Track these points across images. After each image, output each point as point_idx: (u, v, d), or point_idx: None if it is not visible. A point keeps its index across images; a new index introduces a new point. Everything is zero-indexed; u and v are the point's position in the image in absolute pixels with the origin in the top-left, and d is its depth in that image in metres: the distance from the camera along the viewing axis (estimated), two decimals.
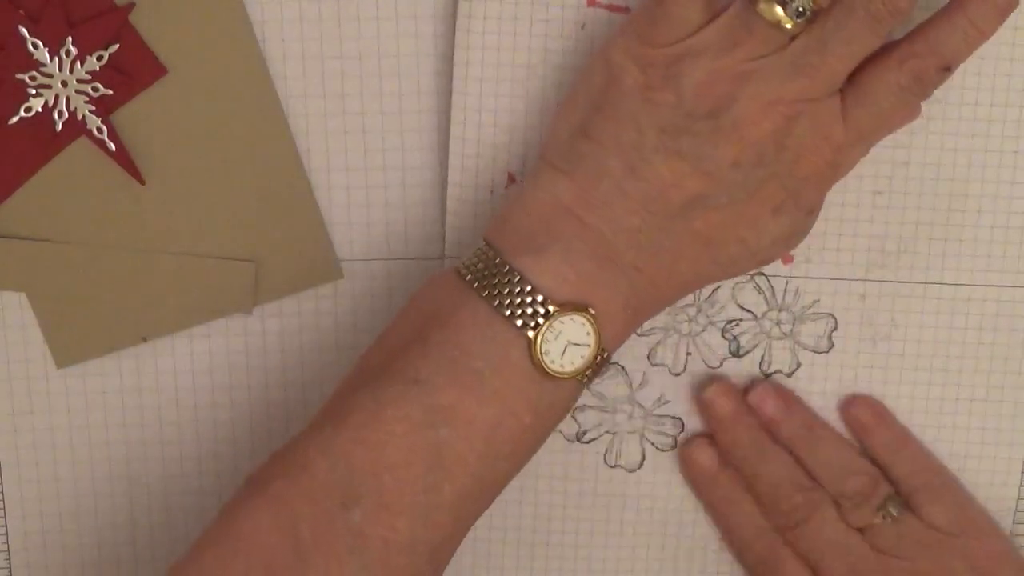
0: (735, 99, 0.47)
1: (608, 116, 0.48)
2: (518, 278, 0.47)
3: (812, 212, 0.50)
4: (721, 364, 0.56)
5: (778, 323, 0.56)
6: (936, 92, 0.53)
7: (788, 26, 0.47)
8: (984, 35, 0.48)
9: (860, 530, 0.55)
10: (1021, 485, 0.57)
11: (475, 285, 0.48)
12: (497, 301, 0.47)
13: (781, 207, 0.49)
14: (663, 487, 0.57)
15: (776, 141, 0.47)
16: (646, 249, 0.48)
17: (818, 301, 0.55)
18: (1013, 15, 0.52)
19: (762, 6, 0.47)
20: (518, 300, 0.47)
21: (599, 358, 0.48)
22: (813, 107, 0.47)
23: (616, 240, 0.48)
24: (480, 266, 0.48)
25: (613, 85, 0.48)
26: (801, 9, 0.47)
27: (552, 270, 0.47)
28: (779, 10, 0.47)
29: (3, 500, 0.58)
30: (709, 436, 0.56)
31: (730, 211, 0.48)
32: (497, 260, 0.48)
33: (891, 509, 0.54)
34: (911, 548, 0.54)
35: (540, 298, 0.47)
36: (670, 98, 0.47)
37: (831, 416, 0.56)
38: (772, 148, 0.47)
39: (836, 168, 0.49)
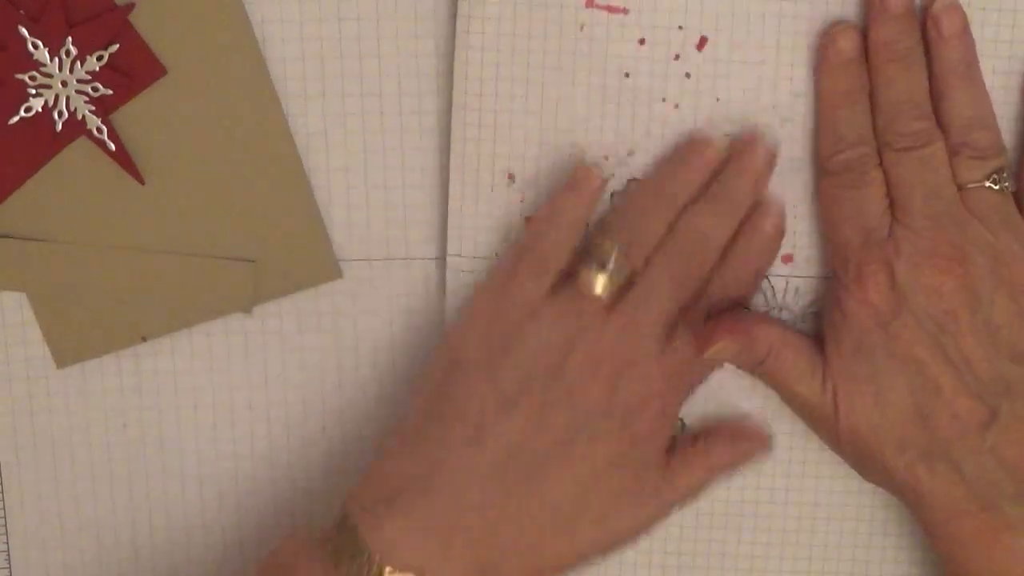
0: (565, 366, 0.51)
1: (451, 393, 0.51)
2: (361, 541, 0.49)
3: (665, 493, 0.53)
4: (722, 364, 0.56)
5: None
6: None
7: (605, 295, 0.51)
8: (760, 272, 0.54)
9: (960, 187, 0.51)
10: None
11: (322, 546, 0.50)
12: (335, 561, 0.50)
13: (635, 486, 0.51)
14: None
15: (605, 403, 0.51)
16: (493, 523, 0.50)
17: (818, 300, 0.55)
18: (1012, 14, 0.53)
19: (582, 277, 0.51)
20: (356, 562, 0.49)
21: None
22: (635, 368, 0.51)
23: (461, 512, 0.50)
24: (331, 529, 0.51)
25: (455, 366, 0.52)
26: (616, 277, 0.51)
27: (393, 535, 0.49)
28: (597, 280, 0.51)
29: (3, 500, 0.58)
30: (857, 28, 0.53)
31: (580, 481, 0.51)
32: (348, 521, 0.50)
33: (1004, 179, 0.51)
34: (1002, 223, 0.51)
35: (376, 560, 0.49)
36: (509, 365, 0.51)
37: None
38: (600, 412, 0.51)
39: (667, 418, 0.52)
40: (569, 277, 0.52)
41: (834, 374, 0.52)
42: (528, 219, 0.54)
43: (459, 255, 0.55)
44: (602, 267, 0.51)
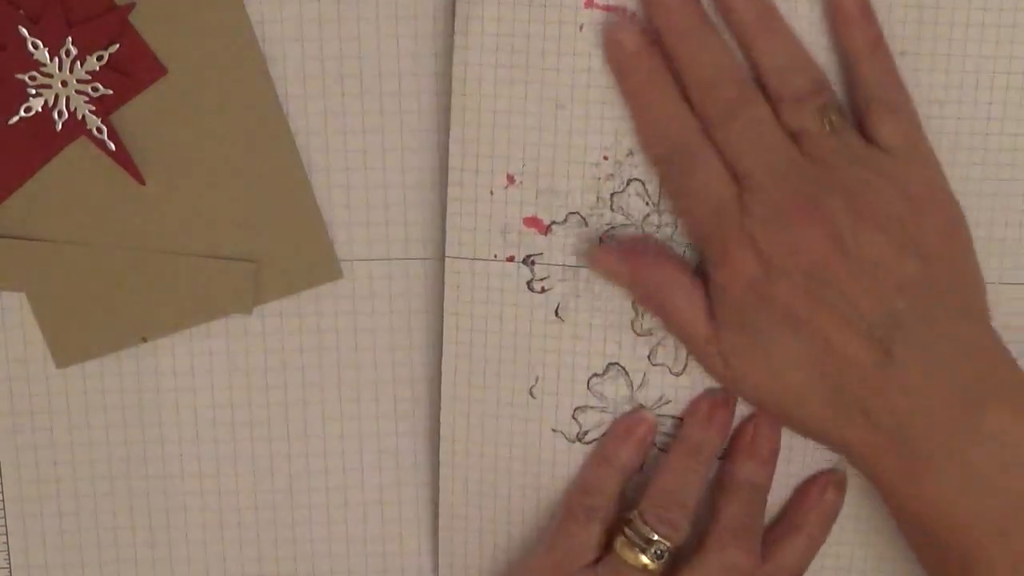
0: None
1: None
2: None
3: None
4: None
5: None
6: (936, 92, 0.53)
7: (652, 566, 0.53)
8: (820, 543, 0.56)
9: (794, 136, 0.51)
10: None
11: None
12: None
13: None
14: None
15: None
16: None
17: None
18: (1012, 13, 0.53)
19: (627, 554, 0.53)
20: None
21: None
22: None
23: None
24: None
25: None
26: (659, 552, 0.53)
27: None
28: (642, 556, 0.53)
29: (3, 500, 0.58)
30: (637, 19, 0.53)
31: None
32: None
33: (832, 116, 0.50)
34: (844, 160, 0.50)
35: None
36: None
37: None
38: None
39: None
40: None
41: (723, 343, 0.51)
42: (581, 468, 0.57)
43: (459, 255, 0.55)
44: (644, 548, 0.53)
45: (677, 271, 0.53)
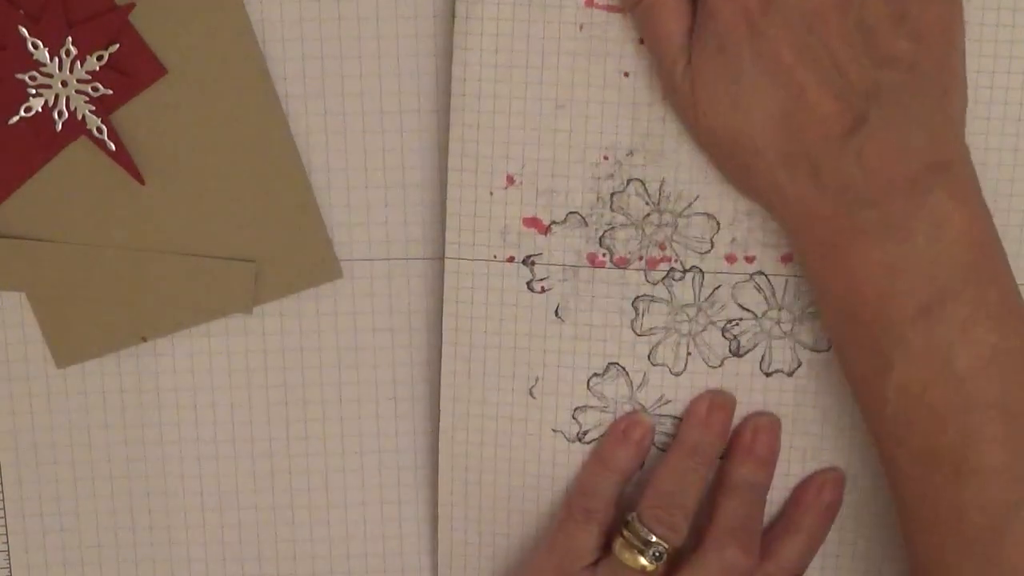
0: None
1: None
2: None
3: None
4: (722, 363, 0.56)
5: (778, 322, 0.55)
6: None
7: (650, 568, 0.53)
8: (820, 542, 0.56)
9: None
10: None
11: None
12: None
13: None
14: None
15: None
16: None
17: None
18: (1011, 13, 0.53)
19: (625, 555, 0.53)
20: None
21: None
22: None
23: None
24: None
25: None
26: (657, 553, 0.53)
27: None
28: (641, 558, 0.53)
29: (3, 500, 0.58)
30: None
31: None
32: None
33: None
34: None
35: None
36: None
37: (832, 415, 0.56)
38: None
39: None
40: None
41: (695, 70, 0.50)
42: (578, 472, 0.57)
43: (459, 256, 0.55)
44: (643, 549, 0.53)
45: None
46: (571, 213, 0.55)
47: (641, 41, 0.53)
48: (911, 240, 0.48)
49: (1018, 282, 0.55)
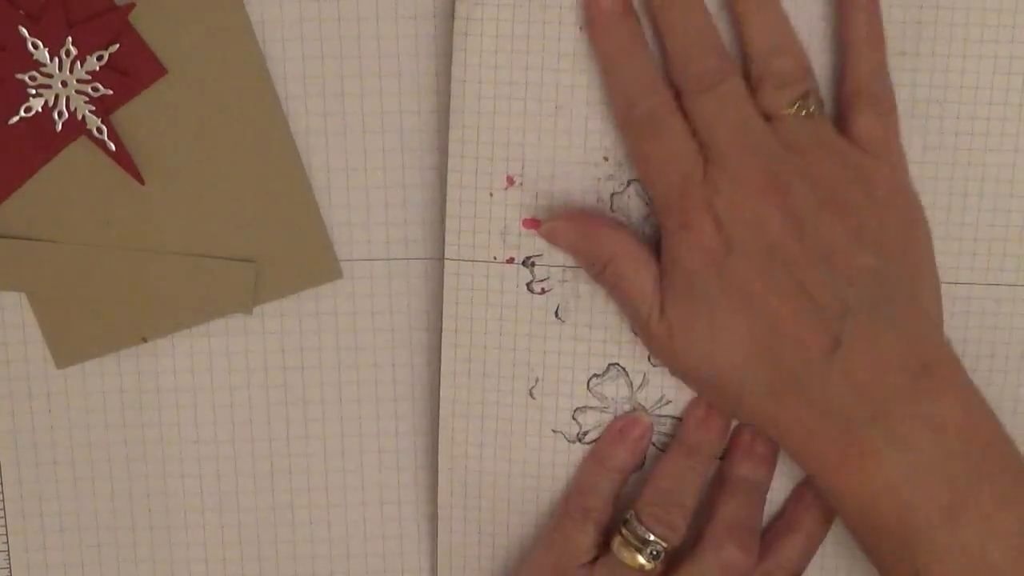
0: None
1: None
2: None
3: None
4: None
5: None
6: (936, 92, 0.53)
7: (648, 567, 0.53)
8: (819, 541, 0.56)
9: (768, 118, 0.51)
10: None
11: None
12: None
13: None
14: None
15: None
16: None
17: None
18: (1011, 13, 0.53)
19: (624, 554, 0.53)
20: None
21: None
22: None
23: None
24: None
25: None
26: (655, 552, 0.53)
27: None
28: (639, 557, 0.53)
29: (3, 500, 0.58)
30: None
31: None
32: None
33: (811, 105, 0.51)
34: (815, 147, 0.50)
35: None
36: None
37: None
38: None
39: None
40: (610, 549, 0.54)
41: (670, 314, 0.51)
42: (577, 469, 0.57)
43: (459, 256, 0.55)
44: (641, 548, 0.54)
45: (630, 241, 0.52)
46: None
47: None
48: (918, 448, 0.49)
49: (1017, 283, 0.55)
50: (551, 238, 0.53)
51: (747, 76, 0.51)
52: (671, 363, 0.53)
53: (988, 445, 0.50)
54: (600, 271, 0.53)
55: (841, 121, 0.52)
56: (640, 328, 0.53)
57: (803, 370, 0.49)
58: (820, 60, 0.53)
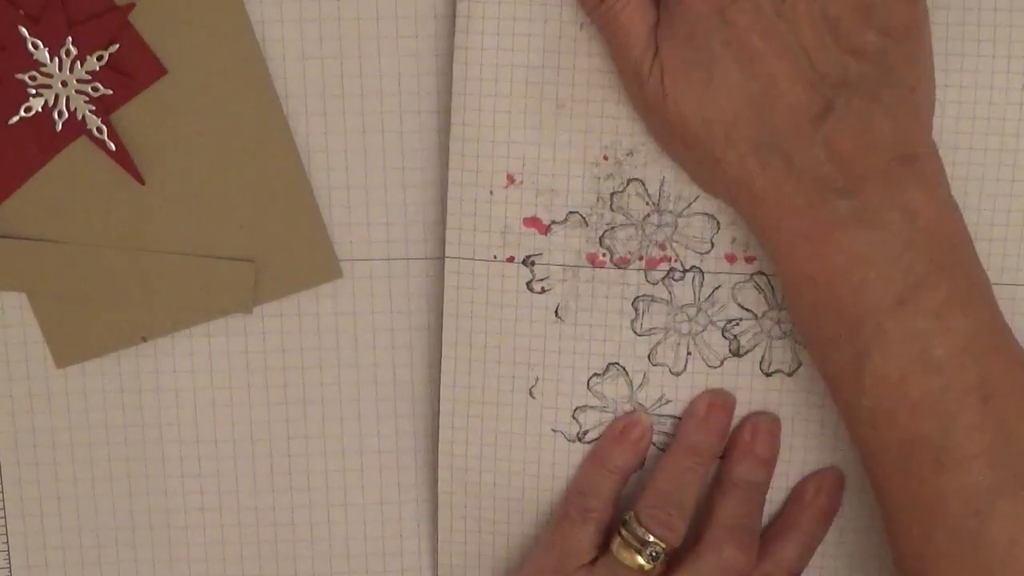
0: None
1: None
2: None
3: None
4: (722, 363, 0.56)
5: (778, 322, 0.55)
6: (936, 92, 0.53)
7: (648, 567, 0.53)
8: (818, 541, 0.57)
9: None
10: None
11: None
12: None
13: None
14: None
15: None
16: None
17: None
18: (1008, 13, 0.53)
19: (623, 554, 0.53)
20: None
21: None
22: None
23: None
24: None
25: None
26: (655, 553, 0.53)
27: None
28: (638, 557, 0.53)
29: (3, 500, 0.58)
30: None
31: None
32: None
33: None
34: None
35: None
36: None
37: (832, 414, 0.56)
38: None
39: None
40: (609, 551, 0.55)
41: (664, 59, 0.50)
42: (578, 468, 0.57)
43: (459, 256, 0.55)
44: (640, 549, 0.54)
45: None
46: (571, 213, 0.55)
47: None
48: (885, 229, 0.48)
49: (1017, 283, 0.55)
50: None
51: None
52: (658, 111, 0.51)
53: (953, 247, 0.49)
54: (596, 4, 0.51)
55: None
56: (629, 71, 0.51)
57: (790, 131, 0.48)
58: None
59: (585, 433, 0.56)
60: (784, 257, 0.50)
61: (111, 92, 0.53)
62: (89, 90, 0.53)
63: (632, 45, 0.51)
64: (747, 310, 0.55)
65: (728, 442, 0.56)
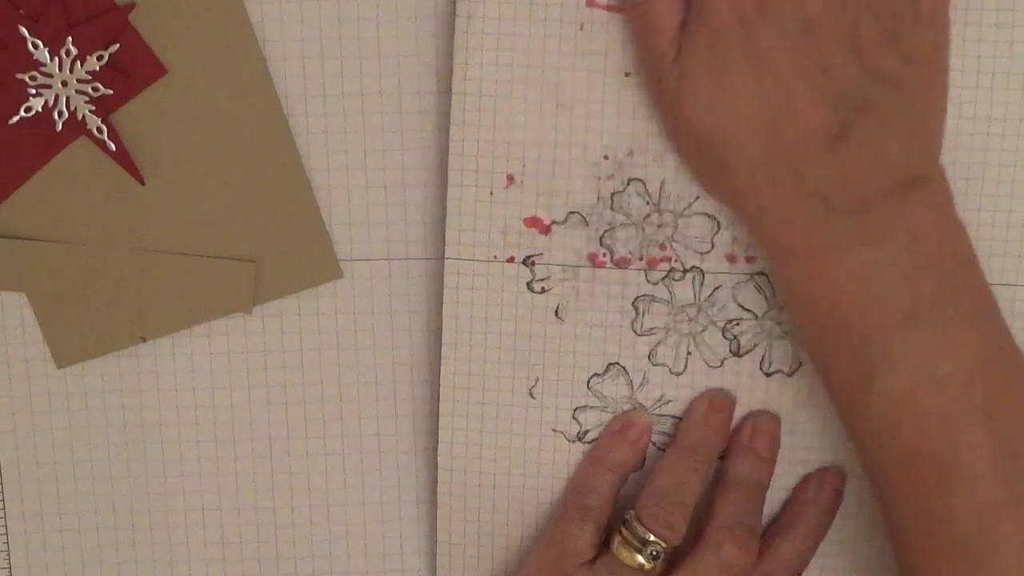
0: None
1: None
2: None
3: None
4: (722, 364, 0.56)
5: (779, 322, 0.55)
6: None
7: (648, 566, 0.53)
8: (819, 540, 0.56)
9: None
10: None
11: None
12: None
13: None
14: None
15: None
16: None
17: None
18: (1010, 13, 0.53)
19: (623, 554, 0.53)
20: None
21: None
22: None
23: None
24: None
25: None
26: (655, 552, 0.53)
27: None
28: (638, 556, 0.53)
29: (3, 500, 0.58)
30: None
31: None
32: None
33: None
34: None
35: None
36: None
37: (832, 415, 0.56)
38: None
39: None
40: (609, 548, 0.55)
41: (685, 60, 0.50)
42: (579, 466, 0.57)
43: (459, 256, 0.55)
44: (640, 548, 0.54)
45: None
46: (571, 213, 0.55)
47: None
48: (890, 247, 0.48)
49: (1018, 283, 0.55)
50: None
51: None
52: (674, 110, 0.51)
53: (960, 266, 0.49)
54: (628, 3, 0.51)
55: None
56: (651, 68, 0.51)
57: (802, 149, 0.48)
58: None
59: (585, 433, 0.56)
60: (787, 274, 0.50)
61: (111, 92, 0.53)
62: (89, 90, 0.53)
63: (658, 41, 0.51)
64: (747, 310, 0.55)
65: (728, 442, 0.56)
